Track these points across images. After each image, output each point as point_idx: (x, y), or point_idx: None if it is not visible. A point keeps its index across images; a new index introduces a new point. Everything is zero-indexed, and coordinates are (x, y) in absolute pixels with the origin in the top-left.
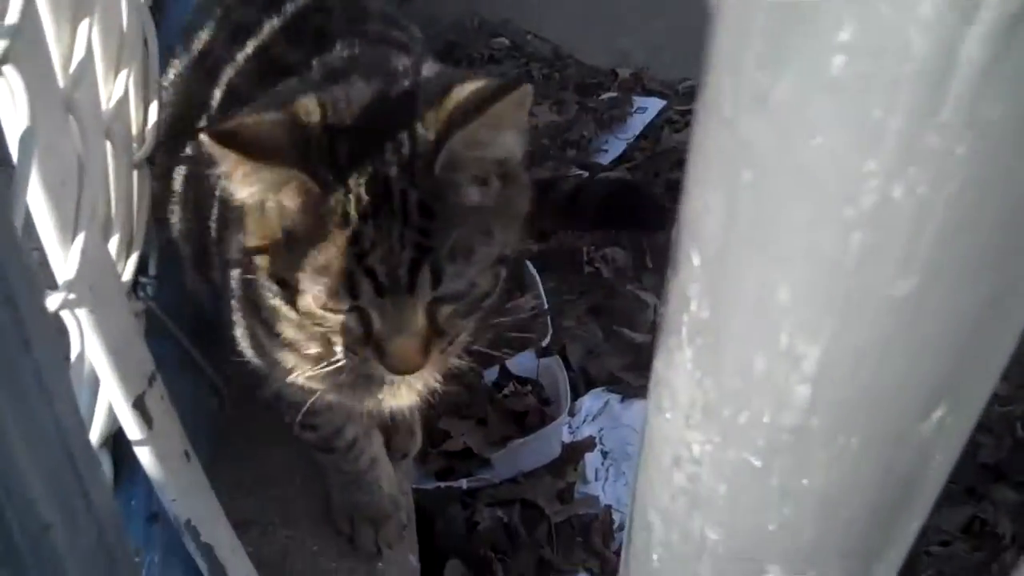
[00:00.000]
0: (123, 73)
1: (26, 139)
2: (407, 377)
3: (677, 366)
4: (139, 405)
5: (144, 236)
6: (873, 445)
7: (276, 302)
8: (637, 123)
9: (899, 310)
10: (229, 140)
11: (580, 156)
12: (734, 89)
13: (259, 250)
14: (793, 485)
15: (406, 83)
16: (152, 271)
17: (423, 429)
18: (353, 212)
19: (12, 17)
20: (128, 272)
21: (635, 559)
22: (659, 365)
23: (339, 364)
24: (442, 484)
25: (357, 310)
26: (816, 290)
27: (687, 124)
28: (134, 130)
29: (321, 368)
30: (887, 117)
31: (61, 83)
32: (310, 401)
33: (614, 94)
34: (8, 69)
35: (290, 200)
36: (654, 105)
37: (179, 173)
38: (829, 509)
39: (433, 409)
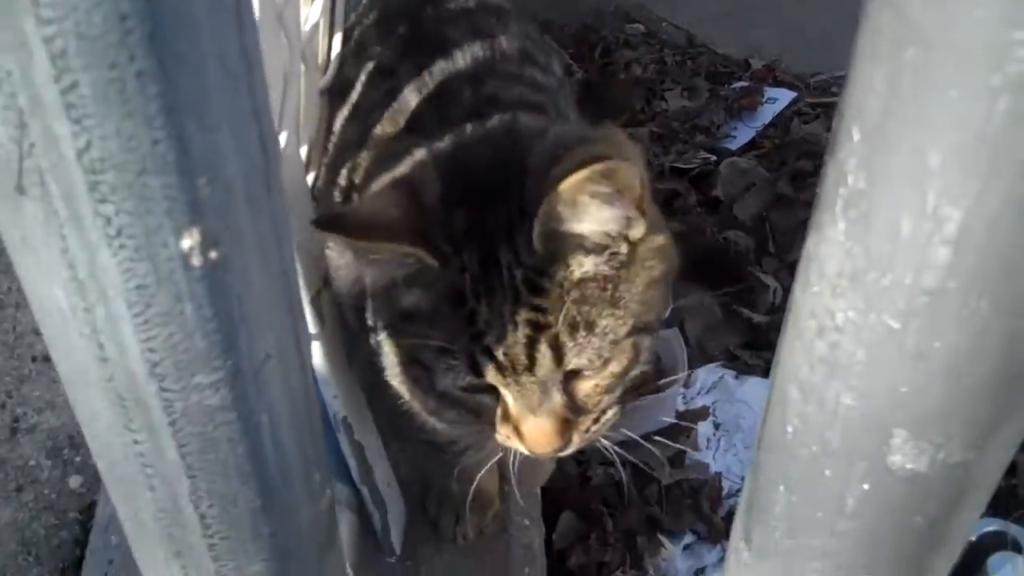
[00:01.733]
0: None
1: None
2: None
3: (828, 240)
4: (315, 303)
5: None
6: (1001, 311)
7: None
8: (767, 112)
9: None
10: (336, 227)
11: (708, 141)
12: None
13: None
14: (926, 347)
15: (524, 149)
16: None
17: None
18: (468, 291)
19: None
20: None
21: (769, 434)
22: (810, 244)
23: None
24: None
25: (489, 389)
26: (962, 154)
27: (817, 116)
28: (320, 59)
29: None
30: None
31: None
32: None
33: (745, 83)
34: None
35: (410, 271)
36: (785, 96)
37: None
38: (956, 373)
39: None
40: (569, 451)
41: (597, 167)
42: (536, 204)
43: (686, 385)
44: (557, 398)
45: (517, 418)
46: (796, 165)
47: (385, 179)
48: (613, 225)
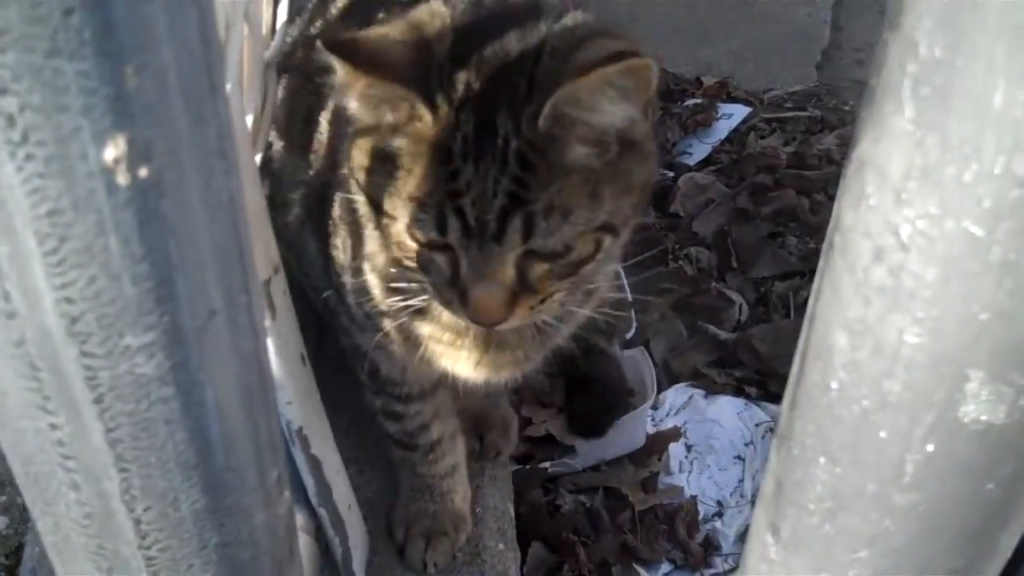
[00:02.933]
0: None
1: None
2: (507, 352)
3: (891, 135)
4: (264, 291)
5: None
6: None
7: (369, 228)
8: (722, 128)
9: None
10: (346, 52)
11: (665, 158)
12: None
13: (362, 169)
14: (1017, 257)
15: (543, 27)
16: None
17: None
18: (457, 150)
19: None
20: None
21: (805, 395)
22: (863, 148)
23: (424, 301)
24: (525, 465)
25: (446, 249)
26: None
27: (773, 131)
28: (264, 28)
29: (407, 299)
30: None
31: None
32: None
33: (699, 100)
34: None
35: (399, 119)
36: (739, 112)
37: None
38: None
39: (516, 394)
40: (505, 326)
41: (628, 63)
42: (550, 82)
43: (655, 406)
44: (510, 272)
45: (467, 282)
46: (755, 179)
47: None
48: (619, 122)
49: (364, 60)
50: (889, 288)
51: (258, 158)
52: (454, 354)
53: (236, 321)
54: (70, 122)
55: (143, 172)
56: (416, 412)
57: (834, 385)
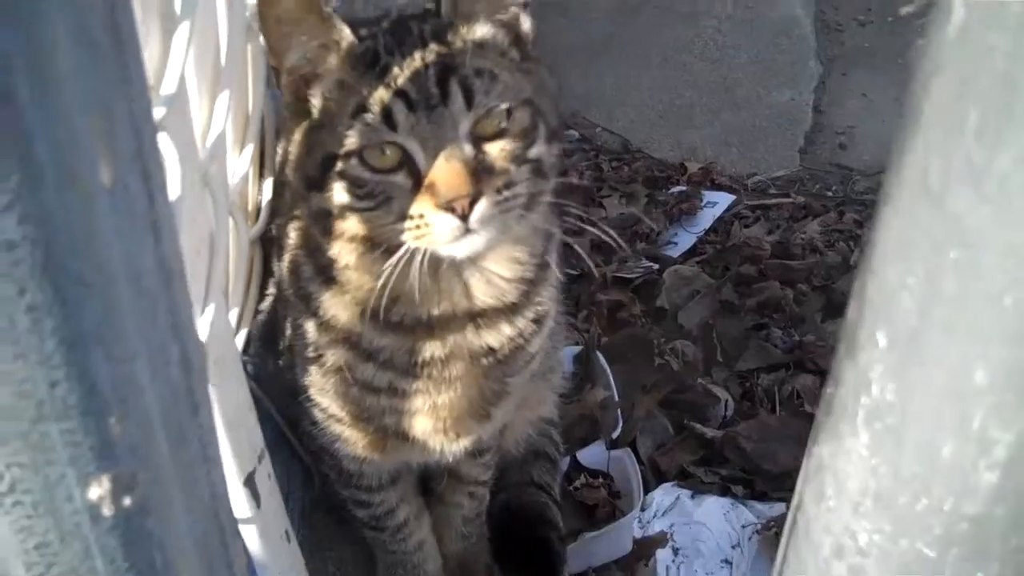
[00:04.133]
0: (247, 149)
1: (177, 208)
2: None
3: (848, 452)
4: (249, 483)
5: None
6: None
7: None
8: (707, 217)
9: None
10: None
11: (649, 249)
12: (945, 161)
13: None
14: None
15: None
16: (251, 349)
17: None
18: (381, 48)
19: (169, 87)
20: (239, 347)
21: None
22: (823, 452)
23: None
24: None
25: (401, 165)
26: (1019, 375)
27: (757, 219)
28: (250, 206)
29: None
30: None
31: (200, 156)
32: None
33: (683, 188)
34: (163, 136)
35: (330, 65)
36: (723, 199)
37: None
38: None
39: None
40: (480, 214)
41: None
42: None
43: (642, 508)
44: (468, 148)
45: (427, 164)
46: (739, 270)
47: None
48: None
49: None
50: None
51: (242, 335)
52: (413, 407)
53: None
54: (56, 472)
55: (127, 501)
56: (381, 500)
57: None
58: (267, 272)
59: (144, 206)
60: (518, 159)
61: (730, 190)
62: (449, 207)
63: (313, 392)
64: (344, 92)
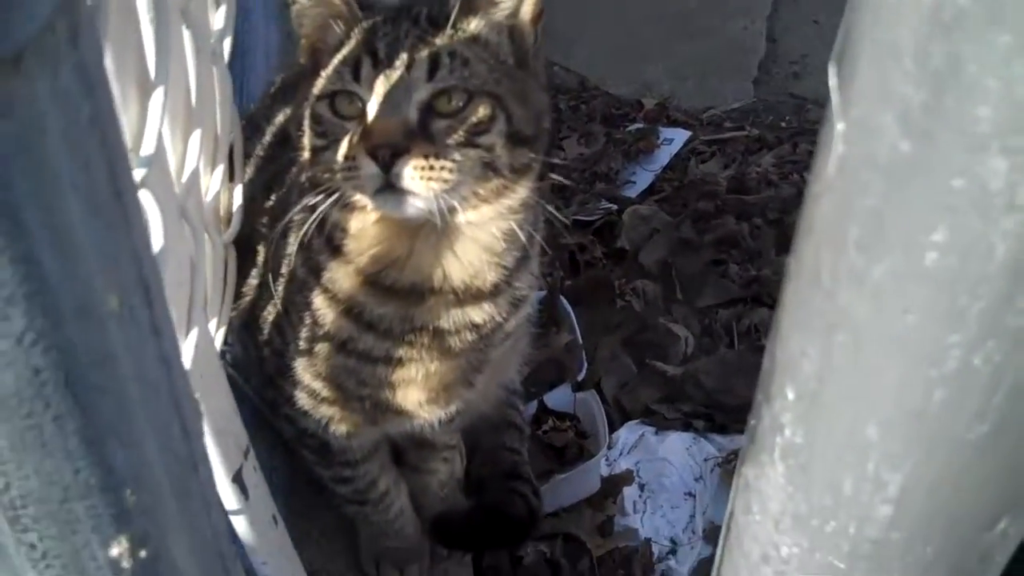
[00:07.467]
0: (218, 169)
1: (161, 259)
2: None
3: (769, 479)
4: (237, 479)
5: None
6: (945, 553)
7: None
8: (664, 154)
9: (972, 449)
10: None
11: (608, 189)
12: (833, 263)
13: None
14: None
15: None
16: (230, 338)
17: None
18: (379, 25)
19: (148, 148)
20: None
21: None
22: (749, 473)
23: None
24: None
25: (359, 118)
26: (901, 431)
27: (712, 154)
28: (222, 212)
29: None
30: (972, 303)
31: (178, 197)
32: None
33: (640, 125)
34: (144, 194)
35: (339, 34)
36: (680, 136)
37: None
38: None
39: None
40: (401, 169)
41: None
42: None
43: (608, 447)
44: (414, 112)
45: (371, 115)
46: (697, 206)
47: None
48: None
49: None
50: None
51: (220, 336)
52: (407, 376)
53: None
54: (81, 539)
55: (143, 553)
56: (365, 472)
57: None
58: (244, 267)
59: (146, 316)
60: (463, 143)
61: (686, 126)
62: (374, 153)
63: (306, 378)
64: (338, 51)
